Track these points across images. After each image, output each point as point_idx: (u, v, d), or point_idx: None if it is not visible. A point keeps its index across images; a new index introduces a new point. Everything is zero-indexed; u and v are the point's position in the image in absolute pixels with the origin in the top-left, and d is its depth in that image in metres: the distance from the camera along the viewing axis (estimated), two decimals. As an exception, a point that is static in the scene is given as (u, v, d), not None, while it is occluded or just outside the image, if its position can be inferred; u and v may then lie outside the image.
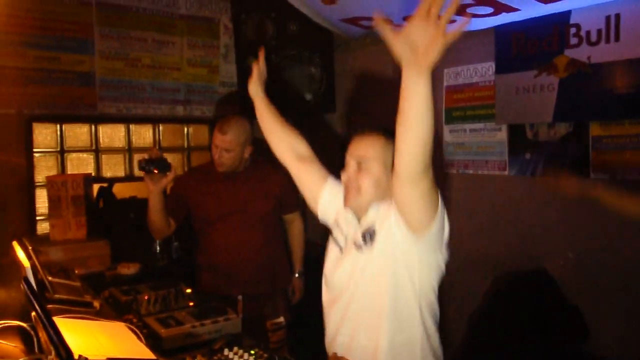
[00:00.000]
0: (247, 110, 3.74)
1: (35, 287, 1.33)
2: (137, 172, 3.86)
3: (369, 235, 1.66)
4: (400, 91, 1.32)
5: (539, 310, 2.67)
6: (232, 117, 2.70)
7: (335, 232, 1.83)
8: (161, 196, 2.54)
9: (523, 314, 2.66)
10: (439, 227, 1.54)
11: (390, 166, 1.58)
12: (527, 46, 2.93)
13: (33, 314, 1.48)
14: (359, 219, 1.74)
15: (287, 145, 1.98)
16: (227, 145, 2.61)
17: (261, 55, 2.10)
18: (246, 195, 2.69)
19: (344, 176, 1.74)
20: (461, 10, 2.69)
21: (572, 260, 2.80)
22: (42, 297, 1.43)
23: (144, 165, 2.43)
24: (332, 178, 1.92)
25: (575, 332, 2.69)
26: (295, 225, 2.97)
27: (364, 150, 1.71)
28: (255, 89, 2.08)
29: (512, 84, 3.00)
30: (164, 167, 2.46)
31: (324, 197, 1.89)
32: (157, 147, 3.92)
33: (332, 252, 1.82)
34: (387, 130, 1.70)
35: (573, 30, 2.71)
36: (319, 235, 3.59)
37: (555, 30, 2.78)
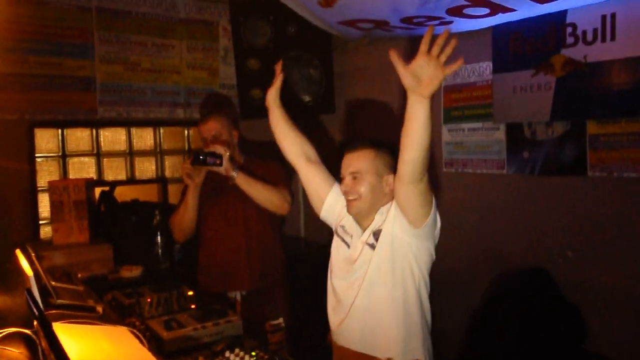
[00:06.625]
0: (247, 111, 3.81)
1: (37, 296, 1.35)
2: (139, 175, 3.94)
3: (377, 235, 1.90)
4: (405, 112, 1.62)
5: (538, 308, 2.69)
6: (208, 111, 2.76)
7: (341, 232, 2.06)
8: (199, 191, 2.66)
9: (522, 313, 2.67)
10: (434, 218, 1.84)
11: (382, 173, 1.94)
12: (524, 46, 2.94)
13: (35, 322, 1.50)
14: (359, 224, 1.98)
15: (299, 149, 2.15)
16: (214, 131, 2.70)
17: (279, 67, 2.22)
18: (238, 195, 2.67)
19: (342, 188, 1.98)
20: (457, 12, 2.70)
21: (571, 258, 2.82)
22: (43, 307, 1.45)
23: (203, 157, 2.48)
24: (337, 184, 2.10)
25: (574, 330, 2.70)
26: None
27: (357, 165, 1.94)
28: (275, 97, 2.20)
29: (510, 83, 3.01)
30: (218, 157, 2.51)
31: (330, 198, 2.10)
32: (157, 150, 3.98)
33: (340, 249, 2.04)
34: (375, 142, 1.98)
35: (569, 29, 2.72)
36: (322, 236, 3.61)
37: (551, 29, 2.79)
